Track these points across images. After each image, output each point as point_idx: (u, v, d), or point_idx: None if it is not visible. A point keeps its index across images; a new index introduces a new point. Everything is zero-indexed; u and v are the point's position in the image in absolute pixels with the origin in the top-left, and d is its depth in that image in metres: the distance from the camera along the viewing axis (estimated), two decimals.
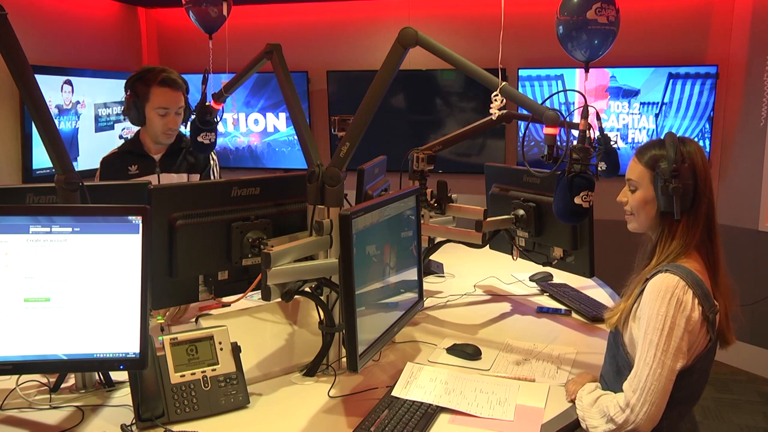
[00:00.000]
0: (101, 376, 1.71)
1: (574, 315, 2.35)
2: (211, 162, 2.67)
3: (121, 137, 4.78)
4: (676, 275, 1.44)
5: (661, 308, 1.42)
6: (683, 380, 1.46)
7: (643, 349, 1.43)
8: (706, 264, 1.50)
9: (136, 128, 2.55)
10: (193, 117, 2.45)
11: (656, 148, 1.53)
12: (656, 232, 1.56)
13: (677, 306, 1.41)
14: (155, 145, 2.51)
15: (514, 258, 2.45)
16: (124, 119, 2.68)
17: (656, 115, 4.39)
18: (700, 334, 1.45)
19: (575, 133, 1.78)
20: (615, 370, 1.56)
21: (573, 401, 1.61)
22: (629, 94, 4.42)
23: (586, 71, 3.62)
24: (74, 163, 1.85)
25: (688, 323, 1.41)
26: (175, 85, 2.44)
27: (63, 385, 1.69)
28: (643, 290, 1.49)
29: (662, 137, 1.54)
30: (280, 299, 1.70)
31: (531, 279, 2.72)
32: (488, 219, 2.27)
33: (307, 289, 1.78)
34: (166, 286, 1.76)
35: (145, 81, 2.43)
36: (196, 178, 2.59)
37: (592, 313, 2.28)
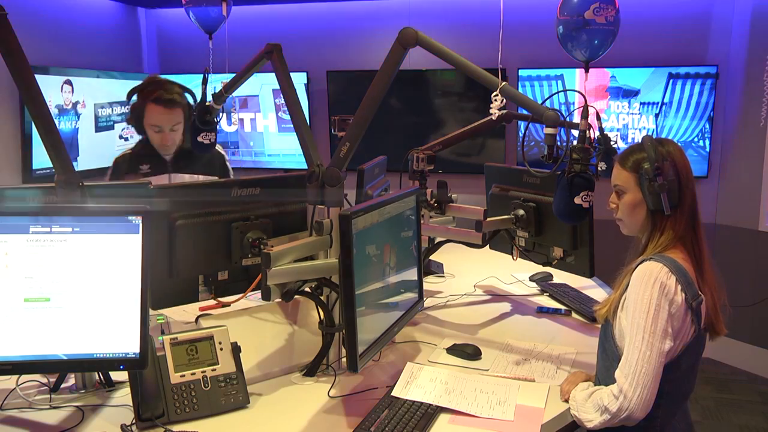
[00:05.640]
0: (101, 376, 1.71)
1: (574, 315, 2.35)
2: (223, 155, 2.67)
3: (121, 137, 4.78)
4: (659, 263, 1.48)
5: (646, 292, 1.45)
6: (671, 373, 1.47)
7: (632, 334, 1.46)
8: (691, 256, 1.53)
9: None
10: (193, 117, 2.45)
11: (637, 153, 1.56)
12: (646, 232, 1.58)
13: (661, 289, 1.44)
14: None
15: (514, 258, 2.45)
16: (128, 127, 2.68)
17: (656, 115, 4.39)
18: (685, 321, 1.47)
19: (575, 133, 1.78)
20: (607, 365, 1.57)
21: (567, 401, 1.61)
22: (629, 94, 4.42)
23: (586, 71, 3.62)
24: (74, 163, 1.85)
25: (672, 306, 1.44)
26: (168, 103, 2.38)
27: (63, 385, 1.69)
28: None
29: (640, 142, 1.57)
30: (280, 299, 1.70)
31: (531, 279, 2.71)
32: (488, 219, 2.27)
33: (307, 289, 1.78)
34: (166, 286, 1.76)
35: (142, 95, 2.41)
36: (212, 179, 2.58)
37: (592, 313, 2.27)
